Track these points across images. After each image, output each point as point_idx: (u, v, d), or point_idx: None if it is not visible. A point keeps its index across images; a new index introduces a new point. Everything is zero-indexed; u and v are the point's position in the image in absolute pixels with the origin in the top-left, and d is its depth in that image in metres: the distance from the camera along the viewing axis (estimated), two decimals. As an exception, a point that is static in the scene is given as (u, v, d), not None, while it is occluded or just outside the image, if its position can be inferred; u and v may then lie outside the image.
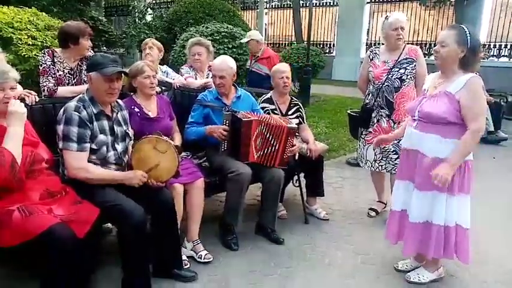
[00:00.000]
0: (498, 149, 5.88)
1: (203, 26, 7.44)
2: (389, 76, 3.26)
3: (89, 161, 2.32)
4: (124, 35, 10.88)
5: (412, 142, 2.51)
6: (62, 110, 2.32)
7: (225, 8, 9.30)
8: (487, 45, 10.70)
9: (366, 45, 13.16)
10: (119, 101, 2.57)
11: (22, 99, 2.48)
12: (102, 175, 2.33)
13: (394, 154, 3.31)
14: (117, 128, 2.47)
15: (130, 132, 2.61)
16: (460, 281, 2.63)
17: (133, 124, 2.68)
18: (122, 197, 2.28)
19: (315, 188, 3.50)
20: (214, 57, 3.53)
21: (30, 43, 4.48)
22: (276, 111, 3.42)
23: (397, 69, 3.25)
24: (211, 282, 2.56)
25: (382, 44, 3.41)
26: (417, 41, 12.04)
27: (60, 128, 2.27)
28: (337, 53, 13.71)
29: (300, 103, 3.62)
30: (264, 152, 3.00)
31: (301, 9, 12.10)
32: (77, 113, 2.26)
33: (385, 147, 3.33)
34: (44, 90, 2.94)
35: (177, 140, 2.97)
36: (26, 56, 4.39)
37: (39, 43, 4.53)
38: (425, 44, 11.95)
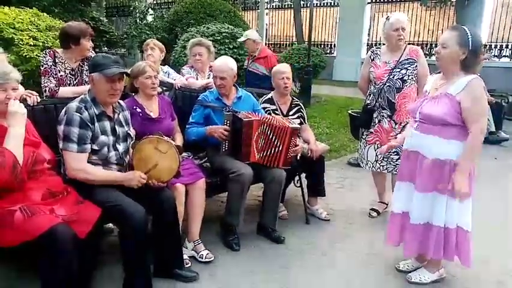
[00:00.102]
0: (499, 149, 5.87)
1: (204, 27, 7.46)
2: (391, 77, 3.25)
3: (90, 162, 2.32)
4: (125, 36, 10.91)
5: (412, 143, 2.51)
6: (63, 110, 2.33)
7: (226, 8, 9.32)
8: (488, 46, 10.69)
9: (367, 45, 13.15)
10: (121, 101, 2.58)
11: (24, 100, 2.49)
12: (101, 176, 2.33)
13: (395, 155, 3.31)
14: (118, 129, 2.47)
15: (132, 132, 2.61)
16: (461, 281, 2.62)
17: (135, 124, 2.69)
18: (123, 197, 2.29)
19: (316, 188, 3.50)
20: (215, 58, 3.54)
21: (32, 44, 4.49)
22: (276, 112, 3.42)
23: (399, 69, 3.25)
24: (212, 282, 2.56)
25: (383, 44, 3.40)
26: (418, 41, 12.02)
27: (61, 129, 2.27)
28: (338, 53, 13.70)
29: (301, 103, 3.62)
30: (267, 152, 3.00)
31: (302, 10, 12.09)
32: (78, 114, 2.27)
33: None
34: (45, 90, 2.95)
35: (178, 140, 2.97)
36: (27, 56, 4.40)
37: (41, 44, 4.54)
38: (426, 44, 11.94)
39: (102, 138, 2.36)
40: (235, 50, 6.81)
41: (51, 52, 3.02)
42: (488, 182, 4.09)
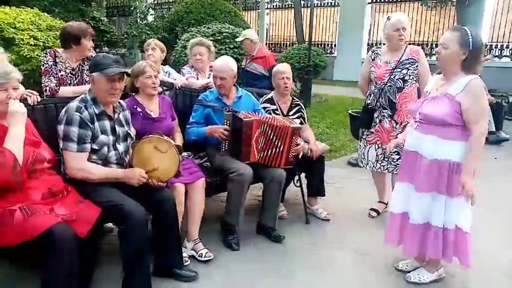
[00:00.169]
0: (499, 149, 5.87)
1: (205, 26, 7.47)
2: (392, 76, 3.26)
3: (90, 161, 2.33)
4: (125, 35, 10.93)
5: (412, 143, 2.51)
6: (63, 110, 2.33)
7: (227, 8, 9.33)
8: (488, 46, 10.69)
9: (367, 45, 13.16)
10: (121, 101, 2.58)
11: (24, 99, 2.49)
12: (102, 174, 2.34)
13: (396, 154, 3.31)
14: (118, 129, 2.47)
15: (132, 132, 2.62)
16: (460, 281, 2.63)
17: (135, 124, 2.70)
18: (123, 196, 2.29)
19: (316, 188, 3.50)
20: (216, 58, 3.54)
21: (32, 43, 4.51)
22: (277, 112, 3.42)
23: (400, 69, 3.25)
24: (212, 282, 2.56)
25: (384, 44, 3.41)
26: (419, 41, 12.03)
27: (61, 128, 2.28)
28: (339, 53, 13.71)
29: (301, 103, 3.62)
30: (268, 152, 3.01)
31: (302, 10, 12.10)
32: (78, 114, 2.27)
33: (387, 147, 3.33)
34: (45, 90, 2.95)
35: (178, 140, 2.98)
36: (28, 56, 4.41)
37: (41, 43, 4.56)
38: (427, 44, 11.94)
39: (102, 137, 2.36)
40: (236, 50, 6.82)
41: (52, 52, 3.03)
42: (488, 182, 4.09)
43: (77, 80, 3.09)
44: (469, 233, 2.43)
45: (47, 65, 2.97)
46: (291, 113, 3.49)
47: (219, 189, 3.11)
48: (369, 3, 13.17)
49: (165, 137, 2.51)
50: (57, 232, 1.91)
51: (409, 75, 3.24)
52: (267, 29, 16.16)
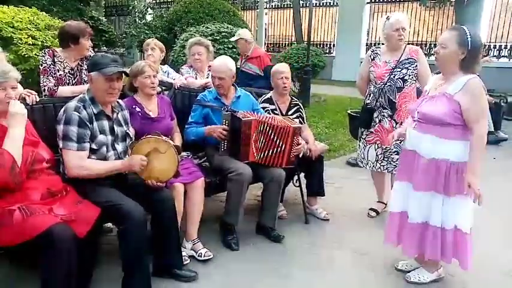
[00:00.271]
0: (498, 149, 5.88)
1: (203, 26, 7.46)
2: (392, 76, 3.25)
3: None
4: (124, 35, 10.92)
5: (410, 142, 2.51)
6: (62, 109, 2.33)
7: (225, 8, 9.31)
8: (487, 46, 10.71)
9: (366, 45, 13.16)
10: (120, 101, 2.58)
11: (23, 99, 2.49)
12: (102, 169, 2.33)
13: (395, 154, 3.30)
14: (117, 128, 2.47)
15: (131, 132, 2.61)
16: (460, 281, 2.63)
17: (134, 124, 2.69)
18: (122, 196, 2.29)
19: (315, 188, 3.50)
20: (215, 57, 3.54)
21: (31, 43, 4.49)
22: (276, 111, 3.42)
23: (399, 69, 3.25)
24: (211, 282, 2.56)
25: (383, 44, 3.40)
26: (417, 41, 12.04)
27: (60, 128, 2.27)
28: (337, 53, 13.71)
29: (300, 103, 3.62)
30: (269, 152, 3.00)
31: (301, 10, 12.09)
32: (77, 113, 2.27)
33: (387, 147, 3.33)
34: (44, 90, 2.95)
35: (177, 140, 2.97)
36: (26, 55, 4.40)
37: (40, 43, 4.55)
38: (426, 44, 11.95)
39: (101, 137, 2.36)
40: (235, 50, 6.80)
41: (50, 51, 3.02)
42: (487, 182, 4.08)
43: (76, 79, 3.08)
44: (469, 234, 2.42)
45: (45, 65, 2.96)
46: (289, 113, 3.49)
47: (218, 189, 3.11)
48: (367, 3, 13.18)
49: (164, 137, 2.50)
50: (56, 232, 1.90)
51: (409, 75, 3.24)
52: (265, 29, 16.15)
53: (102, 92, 2.34)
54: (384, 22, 3.28)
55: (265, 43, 16.04)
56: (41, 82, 2.97)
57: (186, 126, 3.11)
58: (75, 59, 3.06)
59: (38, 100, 2.61)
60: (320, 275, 2.68)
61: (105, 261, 2.55)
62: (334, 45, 14.09)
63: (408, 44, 3.34)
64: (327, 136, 6.19)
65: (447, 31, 2.38)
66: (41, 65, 2.99)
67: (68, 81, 3.04)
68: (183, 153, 2.93)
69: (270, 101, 3.47)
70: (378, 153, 3.40)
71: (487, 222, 3.28)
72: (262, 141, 2.98)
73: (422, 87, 3.09)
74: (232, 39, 5.34)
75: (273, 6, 15.91)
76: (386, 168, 3.41)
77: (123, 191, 2.33)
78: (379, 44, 3.65)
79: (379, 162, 3.42)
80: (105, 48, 10.89)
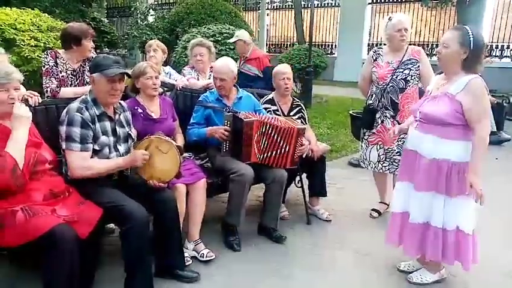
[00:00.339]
0: (501, 149, 5.86)
1: (205, 27, 7.47)
2: (394, 77, 3.25)
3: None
4: (126, 36, 10.94)
5: (412, 143, 2.51)
6: (64, 111, 2.34)
7: (227, 9, 9.32)
8: (489, 46, 10.69)
9: (368, 45, 13.17)
10: (122, 102, 2.58)
11: (25, 100, 2.49)
12: (105, 168, 2.33)
13: (398, 155, 3.30)
14: (119, 130, 2.48)
15: (133, 133, 2.62)
16: (462, 282, 2.62)
17: (136, 125, 2.70)
18: (124, 197, 2.29)
19: (317, 189, 3.50)
20: (216, 58, 3.54)
21: (33, 44, 4.51)
22: (277, 112, 3.42)
23: (402, 70, 3.25)
24: (213, 282, 2.56)
25: (385, 44, 3.40)
26: (419, 41, 12.03)
27: (63, 129, 2.28)
28: (339, 53, 13.72)
29: (301, 104, 3.62)
30: (273, 153, 3.00)
31: (302, 10, 12.12)
32: (79, 114, 2.27)
33: (389, 148, 3.33)
34: (46, 91, 2.96)
35: (179, 141, 2.98)
36: (28, 57, 4.42)
37: (42, 44, 4.56)
38: (428, 44, 11.93)
39: (103, 138, 2.36)
40: (236, 51, 6.81)
41: (53, 53, 3.03)
42: (489, 183, 4.07)
43: (78, 81, 3.09)
44: (472, 235, 2.41)
45: (47, 66, 2.97)
46: (291, 114, 3.48)
47: (220, 190, 3.11)
48: (369, 3, 13.18)
49: (166, 138, 2.51)
50: (58, 233, 1.91)
51: (411, 76, 3.24)
52: (267, 30, 16.17)
53: (104, 93, 2.34)
54: (386, 23, 3.28)
55: (266, 44, 16.05)
56: (44, 83, 2.98)
57: (188, 127, 3.11)
58: (77, 60, 3.07)
59: (40, 101, 2.61)
60: (322, 275, 2.68)
61: (108, 262, 2.55)
62: (335, 45, 14.10)
63: (410, 44, 3.34)
64: (328, 137, 6.19)
65: (449, 31, 2.37)
66: (44, 67, 3.00)
67: (70, 83, 3.05)
68: (185, 154, 2.93)
69: (271, 102, 3.47)
70: (380, 154, 3.40)
71: (488, 222, 3.27)
72: (264, 142, 2.98)
73: (425, 87, 3.08)
74: (231, 40, 5.30)
75: (275, 7, 15.94)
76: (388, 169, 3.41)
77: (125, 192, 2.33)
78: (381, 44, 3.65)
79: (381, 163, 3.42)
80: (107, 49, 10.92)
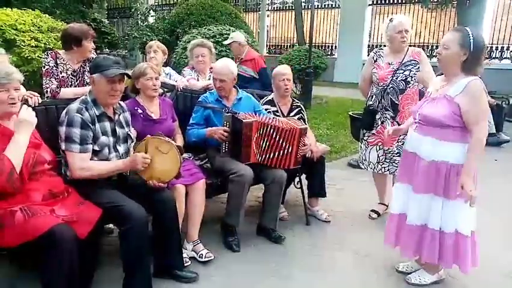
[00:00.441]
0: (500, 151, 5.87)
1: (205, 28, 7.48)
2: (394, 78, 3.26)
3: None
4: (126, 37, 10.94)
5: (411, 144, 2.51)
6: (64, 111, 2.34)
7: (227, 10, 9.32)
8: (489, 47, 10.70)
9: (368, 47, 13.18)
10: (121, 102, 2.59)
11: (25, 101, 2.50)
12: (105, 169, 2.34)
13: (397, 156, 3.30)
14: (119, 130, 2.48)
15: (133, 134, 2.62)
16: (461, 283, 2.62)
17: (136, 125, 2.70)
18: (123, 197, 2.30)
19: (317, 190, 3.50)
20: (217, 59, 3.55)
21: (33, 45, 4.52)
22: (277, 113, 3.43)
23: (402, 71, 3.26)
24: (212, 283, 2.56)
25: (385, 45, 3.41)
26: (419, 42, 12.03)
27: (62, 130, 2.28)
28: (339, 54, 13.73)
29: (301, 105, 3.63)
30: (275, 154, 3.00)
31: (303, 11, 12.14)
32: (79, 115, 2.28)
33: (389, 149, 3.33)
34: (46, 91, 2.96)
35: (179, 141, 2.98)
36: (29, 57, 4.42)
37: (42, 45, 4.57)
38: (427, 46, 11.94)
39: (103, 139, 2.37)
40: (236, 52, 6.82)
41: (53, 53, 3.04)
42: (488, 184, 4.08)
43: (78, 81, 3.09)
44: (470, 237, 2.40)
45: (48, 67, 2.98)
46: (291, 115, 3.49)
47: (220, 191, 3.12)
48: (369, 4, 13.20)
49: (166, 138, 2.51)
50: (58, 233, 1.91)
51: (411, 77, 3.25)
52: (267, 31, 16.19)
53: (104, 94, 2.35)
54: (387, 24, 3.29)
55: (267, 45, 16.07)
56: (44, 84, 2.98)
57: (187, 127, 3.12)
58: (77, 61, 3.08)
59: (40, 102, 2.62)
60: (321, 276, 2.68)
61: (107, 262, 2.55)
62: (335, 47, 14.12)
63: (410, 45, 3.35)
64: (328, 138, 6.19)
65: (450, 32, 2.37)
66: (44, 67, 3.00)
67: (70, 83, 3.05)
68: (185, 155, 2.93)
69: (271, 102, 3.48)
70: (380, 155, 3.41)
71: (487, 223, 3.27)
72: (265, 143, 2.98)
73: (425, 88, 3.09)
74: (225, 42, 5.26)
75: (275, 8, 15.96)
76: (388, 170, 3.41)
77: (125, 192, 2.34)
78: (381, 45, 3.66)
79: (381, 163, 3.42)
80: (107, 50, 10.92)
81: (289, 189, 3.59)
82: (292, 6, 13.86)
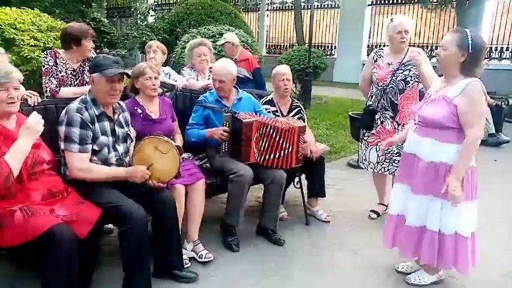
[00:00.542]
0: (499, 151, 5.88)
1: (205, 28, 7.47)
2: (394, 78, 3.26)
3: (90, 162, 2.33)
4: (126, 37, 10.93)
5: (410, 146, 2.51)
6: (64, 111, 2.34)
7: (227, 10, 9.32)
8: (488, 48, 10.70)
9: (367, 47, 13.19)
10: (121, 102, 2.59)
11: (25, 100, 2.50)
12: (105, 174, 2.34)
13: (397, 156, 3.30)
14: (118, 130, 2.48)
15: (132, 133, 2.62)
16: (460, 283, 2.63)
17: (135, 125, 2.70)
18: (123, 197, 2.29)
19: (316, 190, 3.50)
20: (216, 59, 3.55)
21: (33, 44, 4.51)
22: (277, 113, 3.43)
23: (401, 71, 3.26)
24: (211, 283, 2.56)
25: (386, 45, 3.41)
26: (419, 43, 12.03)
27: (62, 129, 2.28)
28: (339, 54, 13.73)
29: (301, 105, 3.63)
30: (275, 155, 3.00)
31: (302, 11, 12.13)
32: (79, 115, 2.28)
33: (388, 149, 3.34)
34: (46, 91, 2.96)
35: (178, 141, 2.98)
36: (28, 57, 4.42)
37: (42, 44, 4.56)
38: (427, 46, 11.95)
39: (102, 138, 2.37)
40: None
41: (53, 53, 3.03)
42: (488, 184, 4.09)
43: (78, 81, 3.09)
44: (470, 238, 2.40)
45: (47, 66, 2.97)
46: (290, 115, 3.49)
47: (219, 191, 3.12)
48: (369, 5, 13.20)
49: (166, 138, 2.51)
50: (57, 232, 1.91)
51: (411, 77, 3.25)
52: (267, 31, 16.18)
53: (104, 94, 2.34)
54: (388, 24, 3.29)
55: (266, 45, 16.07)
56: (43, 83, 2.98)
57: (187, 127, 3.12)
58: (77, 60, 3.08)
59: (39, 101, 2.62)
60: (320, 276, 2.68)
61: (106, 262, 2.55)
62: (335, 47, 14.12)
63: (410, 46, 3.35)
64: (327, 138, 6.19)
65: (449, 33, 2.37)
66: (43, 66, 3.00)
67: (69, 83, 3.05)
68: (184, 155, 2.93)
69: (271, 102, 3.48)
70: (379, 155, 3.41)
71: (486, 223, 3.27)
72: (265, 144, 2.98)
73: (426, 88, 3.09)
74: (219, 43, 5.19)
75: (275, 8, 15.95)
76: (388, 170, 3.41)
77: (124, 192, 2.33)
78: (381, 45, 3.66)
79: (380, 163, 3.42)
80: (107, 49, 10.89)
81: (289, 189, 3.59)
82: (291, 6, 13.87)
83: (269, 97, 3.53)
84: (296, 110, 3.54)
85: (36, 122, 2.10)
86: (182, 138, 3.09)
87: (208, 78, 3.70)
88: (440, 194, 2.34)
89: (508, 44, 10.85)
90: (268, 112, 3.37)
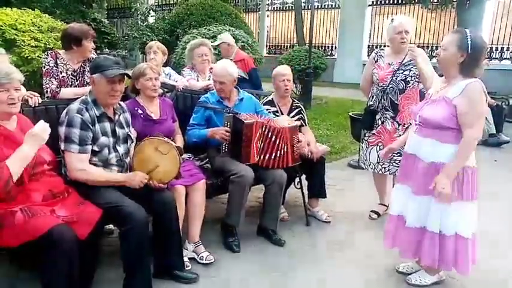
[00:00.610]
0: (500, 151, 5.87)
1: (205, 28, 7.48)
2: (394, 78, 3.26)
3: (90, 163, 2.33)
4: (126, 37, 10.92)
5: (411, 147, 2.51)
6: (64, 111, 2.34)
7: (227, 10, 9.32)
8: (488, 48, 10.70)
9: (368, 47, 13.18)
10: (121, 103, 2.59)
11: (25, 101, 2.50)
12: (103, 177, 2.34)
13: (398, 156, 3.29)
14: (119, 130, 2.48)
15: (133, 134, 2.62)
16: (460, 283, 2.62)
17: (136, 125, 2.70)
18: (123, 198, 2.29)
19: (317, 190, 3.50)
20: (217, 60, 3.55)
21: (33, 45, 4.52)
22: (277, 114, 3.43)
23: (402, 71, 3.26)
24: (212, 283, 2.56)
25: (387, 46, 3.41)
26: (419, 43, 12.03)
27: (62, 130, 2.28)
28: (339, 55, 13.72)
29: (301, 105, 3.63)
30: (271, 155, 3.00)
31: (303, 12, 12.13)
32: (79, 115, 2.28)
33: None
34: (46, 91, 2.96)
35: (179, 141, 2.98)
36: (29, 57, 4.42)
37: (42, 45, 4.57)
38: (427, 46, 11.94)
39: (103, 139, 2.37)
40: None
41: (53, 53, 3.04)
42: (488, 185, 4.08)
43: (78, 81, 3.09)
44: (471, 239, 2.40)
45: (48, 67, 2.98)
46: (291, 115, 3.49)
47: (220, 191, 3.12)
48: (369, 5, 13.19)
49: (166, 139, 2.51)
50: (58, 233, 1.91)
51: (411, 77, 3.25)
52: (267, 31, 16.18)
53: (104, 94, 2.35)
54: (388, 24, 3.29)
55: (266, 45, 16.07)
56: (44, 84, 2.98)
57: (187, 128, 3.12)
58: (77, 61, 3.08)
59: (40, 102, 2.62)
60: (321, 277, 2.68)
61: (107, 262, 2.55)
62: (335, 47, 14.11)
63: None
64: (328, 138, 6.19)
65: (449, 34, 2.37)
66: (44, 67, 3.00)
67: (70, 83, 3.05)
68: (185, 155, 2.93)
69: (271, 103, 3.48)
70: (380, 155, 3.40)
71: (487, 224, 3.27)
72: (262, 144, 2.98)
73: (426, 89, 3.08)
74: (214, 43, 5.15)
75: (275, 9, 15.94)
76: (388, 170, 3.41)
77: (125, 193, 2.33)
78: (381, 46, 3.67)
79: (381, 164, 3.42)
80: (107, 50, 10.90)
81: (289, 189, 3.59)
82: (292, 7, 13.86)
83: (269, 97, 3.53)
84: (296, 110, 3.54)
85: (42, 130, 2.10)
86: (183, 139, 3.09)
87: (209, 79, 3.70)
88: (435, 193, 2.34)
89: (508, 45, 10.84)
90: (269, 112, 3.37)
